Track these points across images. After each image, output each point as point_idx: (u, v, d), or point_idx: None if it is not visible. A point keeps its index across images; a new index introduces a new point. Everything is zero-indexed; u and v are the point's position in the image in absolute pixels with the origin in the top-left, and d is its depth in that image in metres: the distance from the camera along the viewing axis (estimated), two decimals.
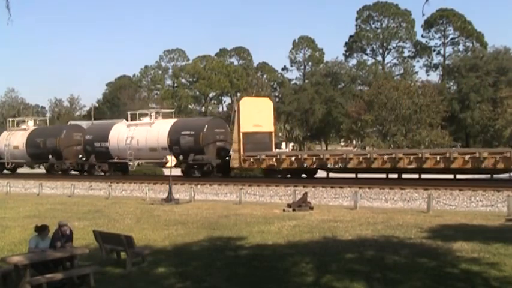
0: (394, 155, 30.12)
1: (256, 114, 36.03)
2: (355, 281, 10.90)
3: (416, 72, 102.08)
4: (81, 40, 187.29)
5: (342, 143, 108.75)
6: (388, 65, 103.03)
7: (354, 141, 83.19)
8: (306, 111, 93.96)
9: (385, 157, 30.29)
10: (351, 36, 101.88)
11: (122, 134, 40.50)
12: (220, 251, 14.35)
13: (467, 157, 27.91)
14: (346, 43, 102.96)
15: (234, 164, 35.53)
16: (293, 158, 33.35)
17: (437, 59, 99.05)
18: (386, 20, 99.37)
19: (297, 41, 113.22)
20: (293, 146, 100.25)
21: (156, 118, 40.69)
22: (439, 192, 25.65)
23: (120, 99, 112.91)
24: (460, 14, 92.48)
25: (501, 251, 13.33)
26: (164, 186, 31.61)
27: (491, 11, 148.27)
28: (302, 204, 22.78)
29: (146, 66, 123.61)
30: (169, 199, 26.79)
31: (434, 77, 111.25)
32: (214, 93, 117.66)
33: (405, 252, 13.41)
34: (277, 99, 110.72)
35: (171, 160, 31.17)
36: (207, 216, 21.20)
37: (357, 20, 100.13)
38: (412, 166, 29.49)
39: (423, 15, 10.35)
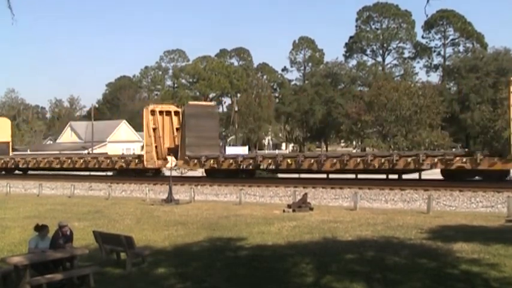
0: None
1: None
2: (355, 282, 10.89)
3: (417, 73, 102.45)
4: (82, 41, 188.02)
5: (343, 144, 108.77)
6: (388, 65, 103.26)
7: (354, 142, 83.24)
8: (306, 112, 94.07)
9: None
10: (351, 37, 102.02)
11: None
12: (220, 252, 14.35)
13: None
14: (346, 44, 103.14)
15: None
16: None
17: (437, 60, 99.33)
18: (386, 21, 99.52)
19: (297, 41, 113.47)
20: (293, 147, 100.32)
21: None
22: (439, 193, 25.67)
23: (120, 99, 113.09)
24: (460, 14, 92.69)
25: (501, 252, 13.33)
26: (164, 186, 31.61)
27: (491, 12, 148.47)
28: (302, 205, 22.78)
29: (146, 67, 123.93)
30: (169, 200, 26.78)
31: (435, 77, 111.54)
32: (214, 94, 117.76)
33: (405, 253, 13.41)
34: (277, 100, 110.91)
35: (171, 161, 31.20)
36: (207, 217, 21.20)
37: (357, 20, 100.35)
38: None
39: (426, 15, 10.28)
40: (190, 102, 43.91)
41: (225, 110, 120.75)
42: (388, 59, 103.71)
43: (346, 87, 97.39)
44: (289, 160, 32.32)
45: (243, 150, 70.36)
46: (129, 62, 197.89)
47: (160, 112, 38.29)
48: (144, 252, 13.50)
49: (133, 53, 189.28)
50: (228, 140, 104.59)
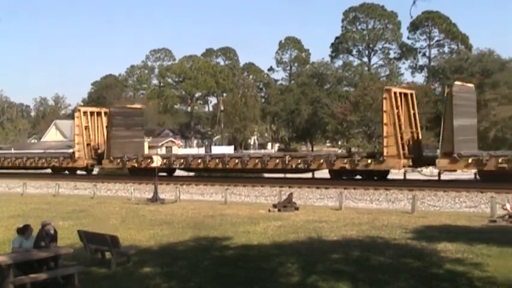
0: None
1: None
2: (341, 282, 10.93)
3: (402, 74, 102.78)
4: (67, 39, 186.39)
5: (328, 144, 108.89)
6: (374, 66, 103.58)
7: (340, 142, 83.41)
8: (291, 111, 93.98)
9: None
10: (337, 38, 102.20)
11: None
12: (206, 251, 14.34)
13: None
14: (332, 44, 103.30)
15: None
16: None
17: (422, 61, 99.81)
18: (372, 22, 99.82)
19: (283, 41, 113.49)
20: (279, 147, 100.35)
21: None
22: (424, 193, 25.85)
23: (106, 98, 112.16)
24: (445, 16, 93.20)
25: (484, 251, 13.46)
26: (149, 186, 31.50)
27: (475, 14, 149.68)
28: (287, 204, 22.80)
29: (132, 66, 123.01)
30: (155, 199, 26.69)
31: (420, 78, 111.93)
32: (200, 93, 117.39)
33: (390, 253, 13.48)
34: (263, 100, 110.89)
35: (157, 160, 31.08)
36: (192, 216, 21.16)
37: (343, 21, 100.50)
38: None
39: (411, 17, 10.43)
40: None
41: (211, 109, 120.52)
42: (374, 60, 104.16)
43: (332, 87, 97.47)
44: None
45: (229, 149, 70.29)
46: (115, 61, 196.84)
47: None
48: (129, 251, 13.44)
49: (119, 51, 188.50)
50: (214, 140, 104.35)
